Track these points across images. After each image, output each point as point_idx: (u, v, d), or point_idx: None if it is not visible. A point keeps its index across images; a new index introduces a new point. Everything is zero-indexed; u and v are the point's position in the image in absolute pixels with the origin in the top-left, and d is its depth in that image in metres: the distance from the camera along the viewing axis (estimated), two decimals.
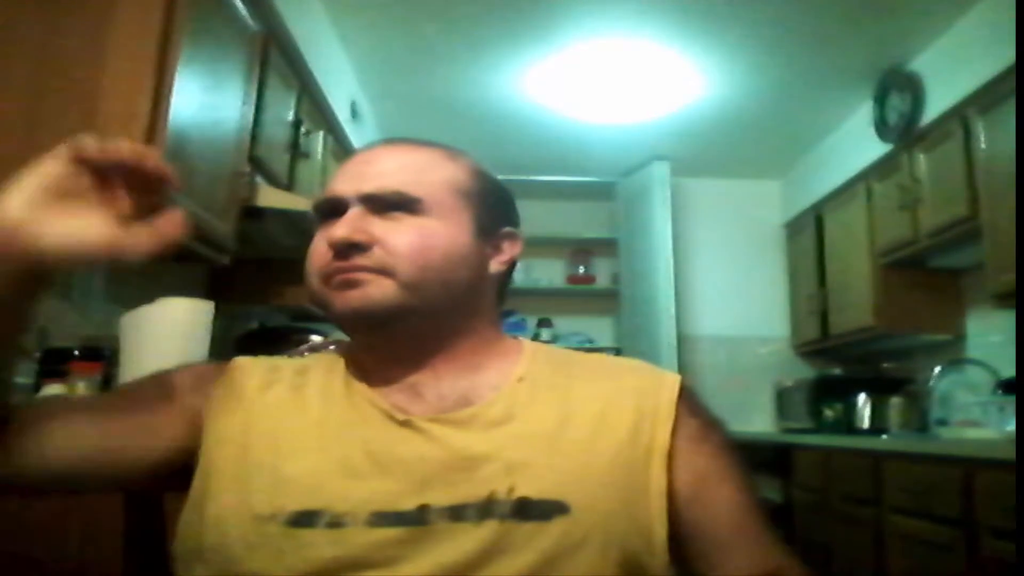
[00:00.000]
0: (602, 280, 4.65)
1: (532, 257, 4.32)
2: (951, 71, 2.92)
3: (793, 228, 4.47)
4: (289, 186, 2.47)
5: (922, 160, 3.09)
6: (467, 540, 0.64)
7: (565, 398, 0.75)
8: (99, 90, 1.60)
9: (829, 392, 3.74)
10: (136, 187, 0.64)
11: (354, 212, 0.74)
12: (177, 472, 0.75)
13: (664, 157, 4.17)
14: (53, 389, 1.63)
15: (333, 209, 0.76)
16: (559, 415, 0.73)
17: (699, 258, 4.55)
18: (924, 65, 3.11)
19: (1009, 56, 2.49)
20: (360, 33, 3.05)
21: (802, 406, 3.89)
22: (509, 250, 0.82)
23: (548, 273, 4.59)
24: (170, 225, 0.64)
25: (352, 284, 0.73)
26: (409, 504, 0.66)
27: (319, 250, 0.76)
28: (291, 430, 0.73)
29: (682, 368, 3.96)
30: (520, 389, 0.75)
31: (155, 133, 1.60)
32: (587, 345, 4.42)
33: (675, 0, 2.80)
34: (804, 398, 3.88)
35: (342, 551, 0.64)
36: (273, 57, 2.32)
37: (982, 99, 2.71)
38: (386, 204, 0.74)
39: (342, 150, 3.10)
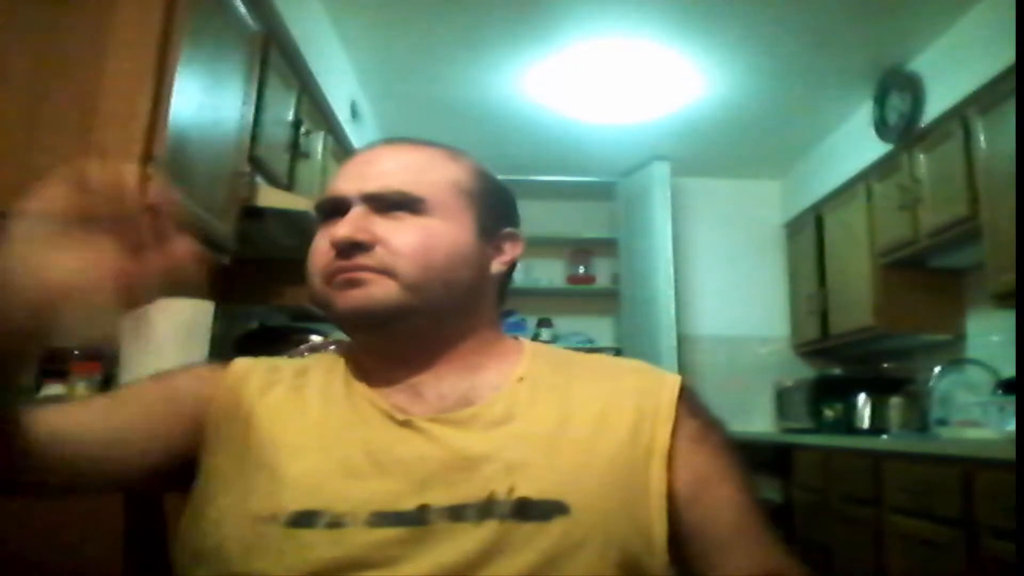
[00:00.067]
0: (602, 280, 4.65)
1: (532, 257, 4.32)
2: (951, 71, 2.92)
3: (793, 228, 4.47)
4: (289, 186, 2.47)
5: (922, 160, 3.09)
6: (467, 540, 0.64)
7: (565, 398, 0.75)
8: (99, 90, 1.60)
9: (829, 392, 3.74)
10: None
11: (356, 211, 0.74)
12: (177, 473, 0.75)
13: (664, 157, 4.17)
14: (53, 389, 1.63)
15: (335, 208, 0.76)
16: (559, 415, 0.73)
17: (699, 258, 4.55)
18: (924, 65, 3.11)
19: (1009, 56, 2.49)
20: (360, 33, 3.05)
21: (802, 406, 3.89)
22: (510, 250, 0.82)
23: (548, 273, 4.59)
24: (180, 251, 0.60)
25: (354, 283, 0.73)
26: (409, 504, 0.66)
27: (321, 249, 0.76)
28: (291, 431, 0.73)
29: (682, 368, 3.96)
30: (520, 389, 0.75)
31: (155, 133, 1.60)
32: (587, 345, 4.42)
33: (675, 0, 2.80)
34: (804, 398, 3.88)
35: (342, 551, 0.64)
36: (273, 57, 2.32)
37: (982, 99, 2.70)
38: (389, 204, 0.75)
39: (342, 150, 3.10)
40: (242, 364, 0.81)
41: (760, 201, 4.64)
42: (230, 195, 2.00)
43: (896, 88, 3.27)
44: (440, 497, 0.67)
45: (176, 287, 0.60)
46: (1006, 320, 2.88)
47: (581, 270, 4.68)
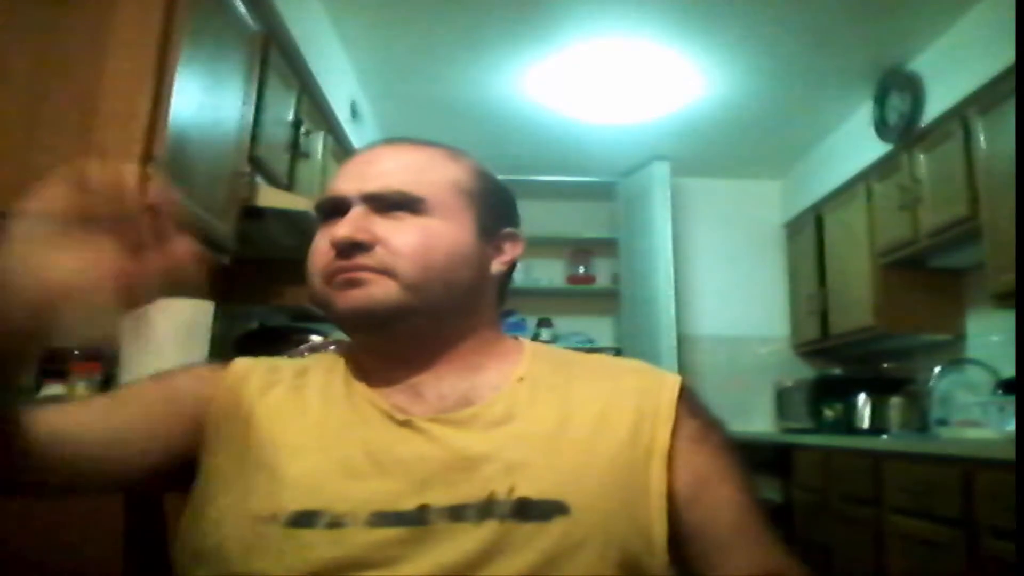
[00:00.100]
0: (602, 280, 4.65)
1: (532, 257, 4.32)
2: (951, 71, 2.92)
3: (793, 228, 4.47)
4: (289, 186, 2.47)
5: (922, 160, 3.09)
6: (467, 540, 0.64)
7: (565, 398, 0.75)
8: (99, 90, 1.60)
9: (829, 392, 3.74)
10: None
11: (357, 211, 0.74)
12: (177, 473, 0.75)
13: (664, 157, 4.17)
14: (53, 389, 1.63)
15: (335, 208, 0.76)
16: (559, 415, 0.73)
17: (699, 258, 4.55)
18: (924, 65, 3.11)
19: (1009, 56, 2.48)
20: (360, 33, 3.05)
21: (802, 406, 3.89)
22: (510, 251, 0.82)
23: (548, 273, 4.58)
24: (180, 251, 0.59)
25: (355, 283, 0.73)
26: (409, 504, 0.66)
27: (321, 249, 0.76)
28: (291, 431, 0.73)
29: (682, 368, 3.96)
30: (520, 389, 0.75)
31: (155, 133, 1.60)
32: (587, 345, 4.42)
33: (675, 0, 2.80)
34: (804, 398, 3.88)
35: (342, 551, 0.64)
36: (273, 57, 2.32)
37: (982, 99, 2.70)
38: (389, 204, 0.75)
39: (342, 150, 3.10)
40: (242, 364, 0.81)
41: (760, 201, 4.64)
42: (230, 195, 2.00)
43: (896, 88, 3.27)
44: (440, 497, 0.66)
45: (176, 287, 0.60)
46: (1006, 320, 2.88)
47: (581, 270, 4.68)
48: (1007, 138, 2.50)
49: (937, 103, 3.00)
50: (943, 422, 3.19)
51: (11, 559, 1.12)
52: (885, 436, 3.18)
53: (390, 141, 0.82)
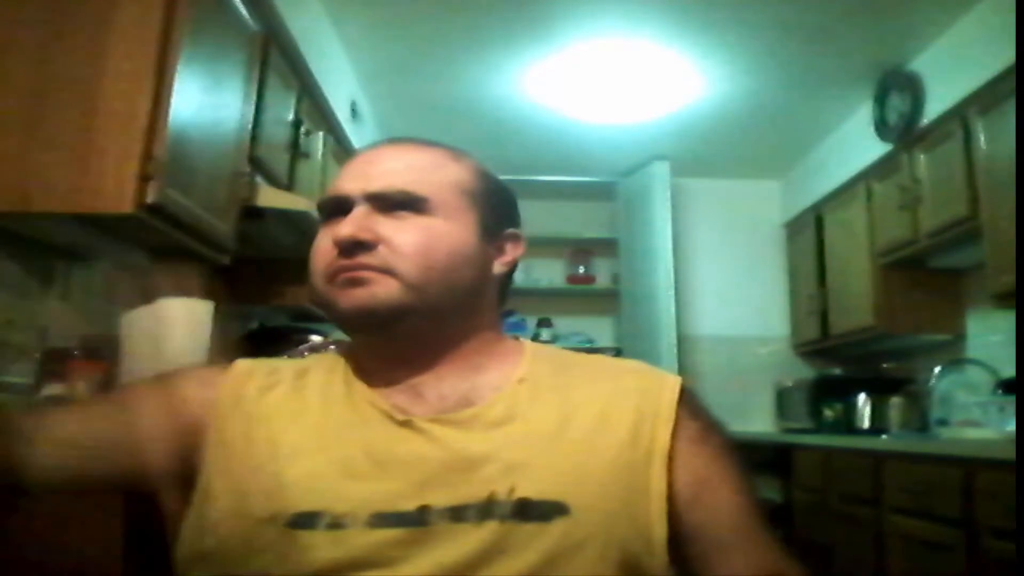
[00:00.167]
0: (602, 280, 4.65)
1: (532, 257, 4.30)
2: (951, 71, 2.92)
3: (793, 228, 4.47)
4: (289, 186, 2.47)
5: (922, 160, 3.09)
6: (467, 541, 0.64)
7: (566, 399, 0.75)
8: (99, 90, 1.60)
9: (829, 392, 3.74)
10: None
11: (360, 211, 0.74)
12: (178, 474, 0.74)
13: (664, 157, 4.17)
14: (53, 389, 1.63)
15: (338, 208, 0.76)
16: (560, 416, 0.73)
17: (699, 258, 4.55)
18: (924, 65, 3.11)
19: (1009, 56, 2.48)
20: (360, 33, 3.05)
21: (802, 406, 3.89)
22: (512, 251, 0.82)
23: (548, 273, 4.58)
24: None
25: (357, 283, 0.72)
26: (409, 505, 0.66)
27: (323, 248, 0.76)
28: (291, 432, 0.73)
29: (682, 368, 3.96)
30: (521, 390, 0.75)
31: (155, 133, 1.60)
32: (587, 345, 4.42)
33: (675, 0, 2.80)
34: (804, 398, 3.88)
35: (342, 552, 0.64)
36: (273, 57, 2.31)
37: (982, 99, 2.70)
38: (392, 203, 0.74)
39: (342, 150, 3.10)
40: (243, 366, 0.81)
41: (760, 201, 4.64)
42: (230, 195, 2.00)
43: (896, 88, 3.27)
44: (440, 498, 0.66)
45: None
46: (1006, 320, 2.88)
47: (581, 270, 4.68)
48: (1007, 138, 2.50)
49: (937, 103, 3.00)
50: (943, 422, 3.19)
51: (11, 559, 1.12)
52: (885, 436, 3.18)
53: (393, 141, 0.82)
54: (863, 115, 3.56)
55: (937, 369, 3.25)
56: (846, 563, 2.87)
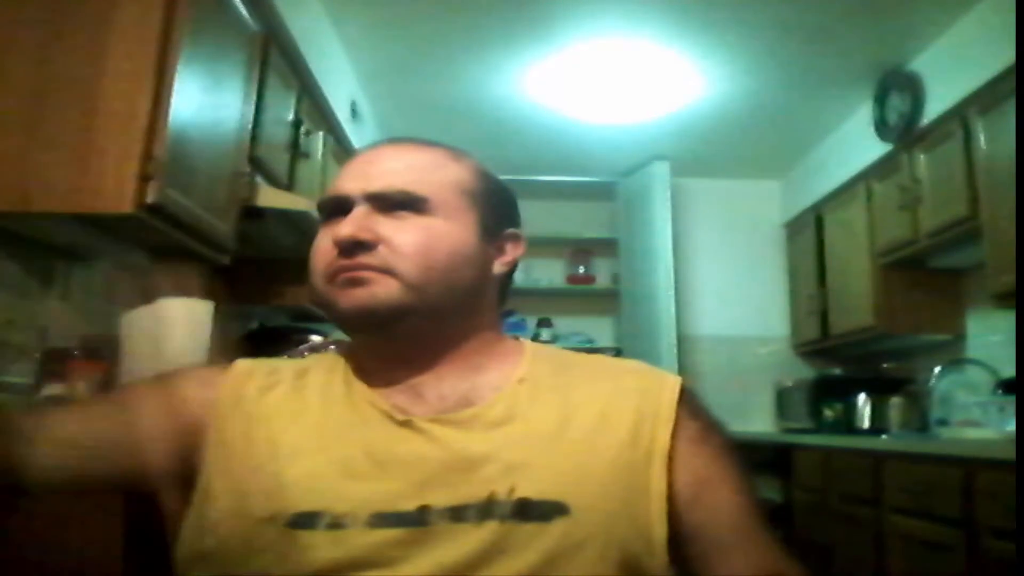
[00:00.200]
0: (602, 280, 4.65)
1: (532, 257, 4.30)
2: (951, 71, 2.92)
3: (793, 228, 4.47)
4: (289, 186, 2.47)
5: (922, 160, 3.09)
6: (468, 541, 0.64)
7: (566, 399, 0.75)
8: (99, 90, 1.60)
9: (829, 392, 3.74)
10: None
11: (360, 210, 0.74)
12: (179, 474, 0.74)
13: (664, 157, 4.17)
14: (53, 389, 1.63)
15: (338, 208, 0.76)
16: (560, 416, 0.73)
17: (699, 258, 4.55)
18: (924, 65, 3.11)
19: (1009, 56, 2.48)
20: (360, 33, 3.05)
21: (802, 406, 3.89)
22: (512, 251, 0.82)
23: (548, 273, 4.58)
24: None
25: (357, 283, 0.72)
26: (409, 505, 0.66)
27: (323, 248, 0.75)
28: (291, 432, 0.73)
29: (682, 368, 3.96)
30: (521, 390, 0.75)
31: (155, 133, 1.60)
32: (587, 345, 4.42)
33: (675, 0, 2.80)
34: (804, 398, 3.88)
35: (342, 552, 0.64)
36: (273, 57, 2.31)
37: (982, 99, 2.70)
38: (392, 203, 0.74)
39: (342, 150, 3.10)
40: (242, 366, 0.81)
41: (760, 201, 4.64)
42: (230, 195, 2.00)
43: (896, 88, 3.27)
44: (440, 498, 0.66)
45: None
46: (1006, 320, 2.88)
47: (581, 270, 4.68)
48: (1007, 138, 2.50)
49: (937, 103, 3.00)
50: (943, 422, 3.19)
51: (11, 559, 1.12)
52: (885, 436, 3.18)
53: (393, 141, 0.82)
54: (863, 115, 3.56)
55: (937, 369, 3.25)
56: (846, 563, 2.87)
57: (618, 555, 0.67)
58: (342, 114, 3.13)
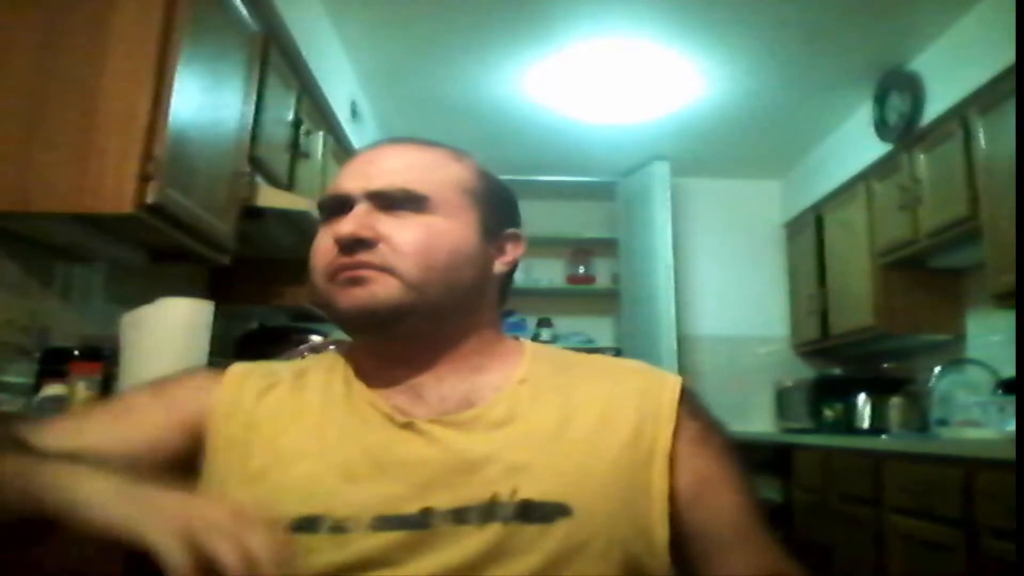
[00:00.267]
0: (602, 280, 4.65)
1: (532, 257, 4.29)
2: (951, 71, 2.92)
3: (793, 228, 4.47)
4: (289, 186, 2.47)
5: (922, 160, 3.09)
6: (470, 543, 0.64)
7: (567, 399, 0.75)
8: (99, 90, 1.60)
9: (829, 392, 3.74)
10: None
11: (360, 209, 0.74)
12: (179, 480, 0.74)
13: (664, 157, 4.17)
14: (53, 389, 1.63)
15: (339, 206, 0.76)
16: (561, 416, 0.73)
17: (699, 258, 4.55)
18: (924, 65, 3.11)
19: (1009, 56, 2.48)
20: (360, 33, 3.05)
21: (802, 406, 3.89)
22: (512, 251, 0.82)
23: (548, 273, 4.58)
24: None
25: (358, 282, 0.72)
26: (412, 507, 0.66)
27: (324, 247, 0.75)
28: (291, 434, 0.73)
29: (682, 368, 3.96)
30: (522, 391, 0.75)
31: (155, 133, 1.60)
32: (587, 345, 4.41)
33: (675, 0, 2.80)
34: (804, 398, 3.88)
35: (345, 556, 0.64)
36: (273, 57, 2.31)
37: (982, 99, 2.70)
38: (393, 201, 0.74)
39: (342, 150, 3.10)
40: (239, 369, 0.81)
41: (760, 201, 4.64)
42: (230, 195, 2.00)
43: (896, 88, 3.26)
44: (443, 500, 0.66)
45: None
46: (1006, 320, 2.88)
47: (581, 270, 4.68)
48: (1007, 138, 2.50)
49: (937, 103, 3.00)
50: (943, 422, 3.19)
51: (11, 559, 1.12)
52: (885, 436, 3.17)
53: (394, 140, 0.82)
54: (863, 115, 3.56)
55: (937, 369, 3.25)
56: (846, 563, 2.87)
57: (620, 555, 0.67)
58: (342, 114, 3.13)
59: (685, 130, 3.92)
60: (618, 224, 4.50)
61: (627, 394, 0.76)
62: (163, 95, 1.62)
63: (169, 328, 1.77)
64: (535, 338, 4.12)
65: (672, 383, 0.78)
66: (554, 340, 4.36)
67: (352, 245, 0.72)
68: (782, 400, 4.21)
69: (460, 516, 0.66)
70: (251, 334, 2.75)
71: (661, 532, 0.70)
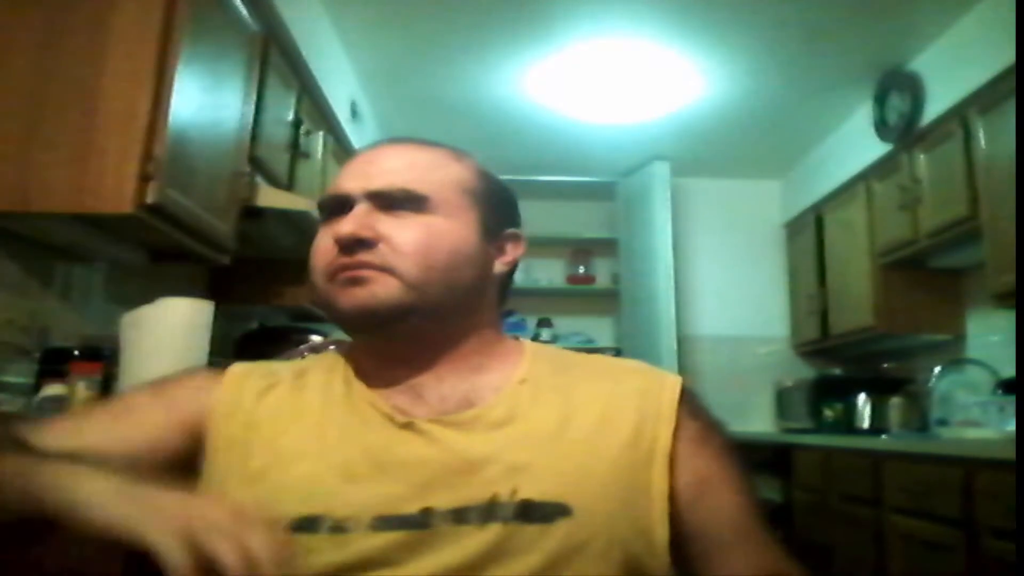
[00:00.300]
0: (602, 280, 4.65)
1: (532, 257, 4.29)
2: (951, 71, 2.92)
3: (793, 228, 4.47)
4: (289, 186, 2.47)
5: (922, 160, 3.09)
6: (470, 543, 0.64)
7: (567, 399, 0.75)
8: (99, 90, 1.60)
9: (829, 392, 3.74)
10: None
11: (361, 208, 0.74)
12: (180, 481, 0.74)
13: (664, 157, 4.17)
14: (53, 389, 1.63)
15: (339, 206, 0.76)
16: (561, 416, 0.73)
17: (699, 258, 4.55)
18: (924, 65, 3.11)
19: (1009, 56, 2.48)
20: (360, 33, 3.05)
21: (802, 406, 3.89)
22: (512, 251, 0.82)
23: (548, 273, 4.58)
24: None
25: (358, 282, 0.72)
26: (412, 507, 0.66)
27: (324, 247, 0.75)
28: (291, 434, 0.73)
29: (682, 368, 3.96)
30: (522, 391, 0.75)
31: (155, 133, 1.60)
32: (587, 345, 4.41)
33: (675, 0, 2.80)
34: (804, 398, 3.88)
35: (346, 556, 0.64)
36: (273, 57, 2.31)
37: (982, 99, 2.70)
38: (393, 201, 0.74)
39: (342, 150, 3.10)
40: (239, 369, 0.81)
41: (760, 201, 4.64)
42: (230, 195, 2.00)
43: (896, 88, 3.26)
44: (443, 500, 0.66)
45: None
46: (1006, 320, 2.88)
47: (581, 270, 4.68)
48: (1007, 138, 2.50)
49: (937, 103, 3.00)
50: (943, 422, 3.19)
51: (11, 559, 1.12)
52: (885, 436, 3.17)
53: (394, 140, 0.82)
54: (863, 115, 3.56)
55: (937, 369, 3.25)
56: (846, 563, 2.87)
57: (620, 556, 0.67)
58: (342, 114, 3.13)
59: (685, 130, 3.92)
60: (618, 224, 4.50)
61: (627, 394, 0.76)
62: (163, 95, 1.62)
63: (169, 328, 1.77)
64: (535, 338, 4.11)
65: (672, 383, 0.78)
66: (554, 340, 4.36)
67: (352, 245, 0.72)
68: (782, 400, 4.21)
69: (460, 516, 0.66)
70: (251, 334, 2.75)
71: (661, 532, 0.70)
